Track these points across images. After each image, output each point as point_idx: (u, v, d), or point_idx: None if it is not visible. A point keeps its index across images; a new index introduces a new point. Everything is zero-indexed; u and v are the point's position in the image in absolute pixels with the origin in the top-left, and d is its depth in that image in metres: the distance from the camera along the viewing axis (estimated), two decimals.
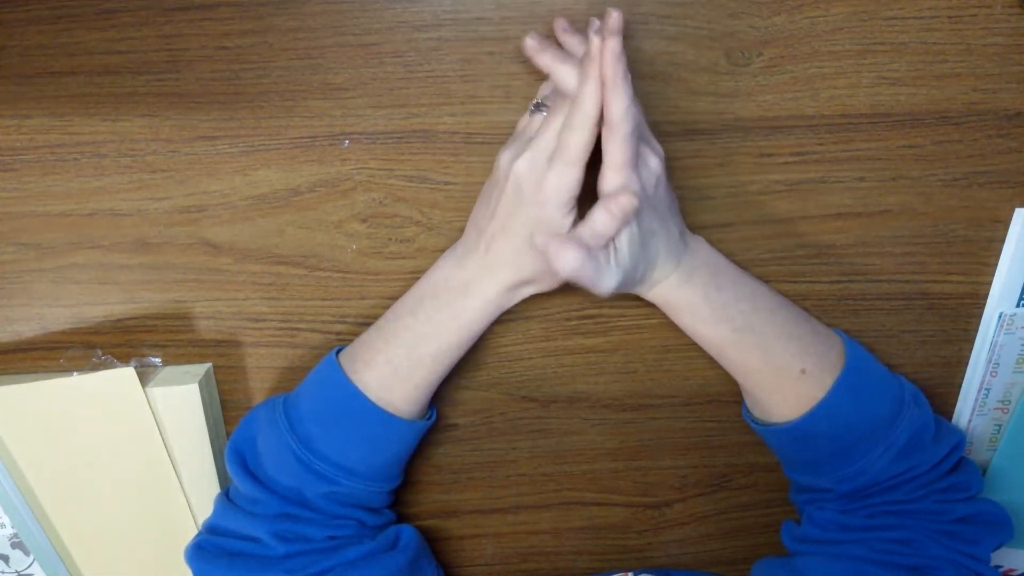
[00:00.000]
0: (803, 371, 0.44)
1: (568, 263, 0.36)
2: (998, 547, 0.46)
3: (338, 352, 0.48)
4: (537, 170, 0.39)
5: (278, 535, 0.45)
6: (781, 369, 0.45)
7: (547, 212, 0.39)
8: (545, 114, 0.40)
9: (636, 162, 0.38)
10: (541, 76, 0.45)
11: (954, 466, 0.47)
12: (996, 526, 0.46)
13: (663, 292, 0.44)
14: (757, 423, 0.49)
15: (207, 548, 0.46)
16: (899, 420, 0.45)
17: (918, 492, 0.45)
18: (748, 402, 0.49)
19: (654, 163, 0.40)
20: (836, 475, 0.46)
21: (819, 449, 0.46)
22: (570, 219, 0.40)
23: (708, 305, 0.44)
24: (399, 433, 0.47)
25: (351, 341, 0.52)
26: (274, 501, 0.46)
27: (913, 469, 0.45)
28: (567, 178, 0.38)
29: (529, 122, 0.42)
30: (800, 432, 0.45)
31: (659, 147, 0.42)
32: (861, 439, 0.45)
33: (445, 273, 0.45)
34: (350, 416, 0.45)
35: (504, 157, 0.41)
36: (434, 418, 0.51)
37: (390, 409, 0.45)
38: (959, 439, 0.47)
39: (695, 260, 0.44)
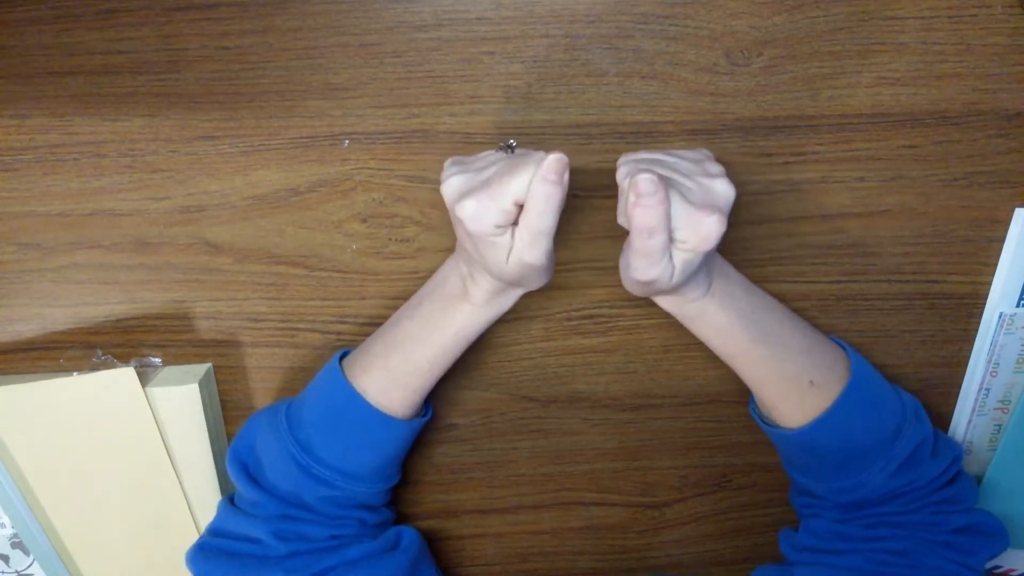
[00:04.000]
0: (812, 382, 0.44)
1: (657, 202, 0.34)
2: (992, 557, 0.46)
3: (343, 356, 0.48)
4: (452, 199, 0.38)
5: (278, 535, 0.45)
6: (791, 380, 0.45)
7: (472, 239, 0.38)
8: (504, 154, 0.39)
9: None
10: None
11: (951, 479, 0.47)
12: (992, 537, 0.46)
13: (681, 302, 0.44)
14: (764, 422, 0.49)
15: (208, 549, 0.46)
16: (900, 435, 0.45)
17: (914, 504, 0.45)
18: (757, 401, 0.49)
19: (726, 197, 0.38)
20: (834, 486, 0.46)
21: (821, 458, 0.46)
22: (504, 239, 0.38)
23: (724, 315, 0.44)
24: (398, 434, 0.47)
25: (351, 341, 0.52)
26: (273, 504, 0.46)
27: (912, 483, 0.45)
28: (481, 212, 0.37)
29: (487, 155, 0.40)
30: (804, 440, 0.45)
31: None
32: (862, 452, 0.45)
33: (444, 278, 0.45)
34: (350, 421, 0.45)
35: (451, 187, 0.38)
36: (430, 415, 0.51)
37: (389, 412, 0.46)
38: (957, 453, 0.47)
39: (712, 272, 0.44)
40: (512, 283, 0.41)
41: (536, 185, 0.34)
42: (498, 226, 0.36)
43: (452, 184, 0.38)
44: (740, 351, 0.45)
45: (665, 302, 0.44)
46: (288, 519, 0.46)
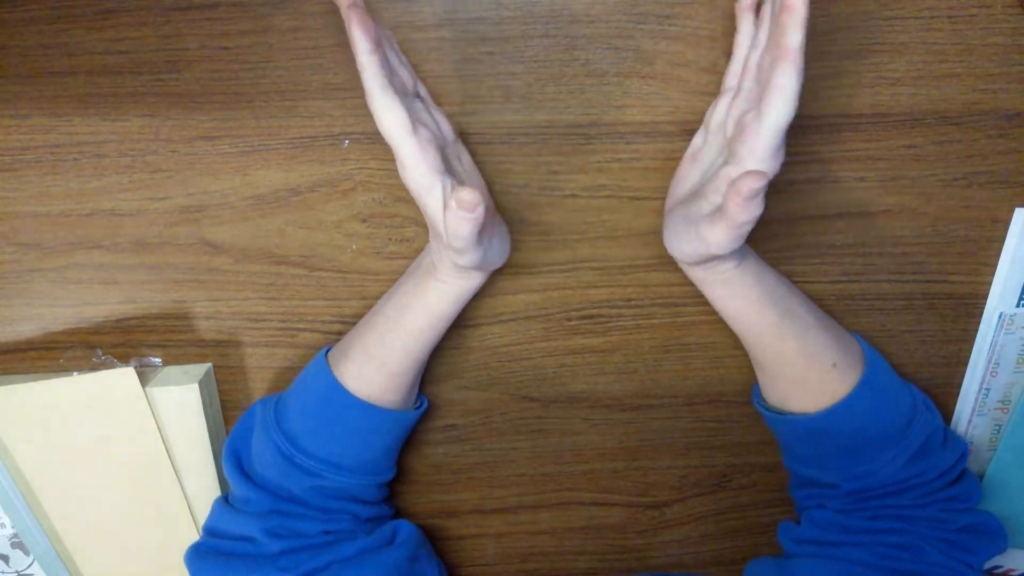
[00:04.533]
0: (834, 364, 0.45)
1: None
2: (991, 557, 0.46)
3: (329, 350, 0.49)
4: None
5: (271, 532, 0.45)
6: (814, 359, 0.45)
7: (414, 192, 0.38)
8: None
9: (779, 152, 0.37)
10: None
11: (958, 476, 0.47)
12: (993, 537, 0.46)
13: (719, 270, 0.43)
14: (770, 411, 0.49)
15: (203, 550, 0.47)
16: (914, 424, 0.45)
17: (923, 499, 0.46)
18: (766, 390, 0.49)
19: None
20: (845, 473, 0.46)
21: (832, 445, 0.46)
22: (436, 193, 0.37)
23: (759, 286, 0.44)
24: (384, 425, 0.47)
25: None
26: (264, 499, 0.46)
27: (922, 475, 0.45)
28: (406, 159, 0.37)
29: None
30: (818, 426, 0.45)
31: None
32: (876, 440, 0.45)
33: (419, 260, 0.46)
34: (332, 409, 0.46)
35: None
36: (424, 406, 0.50)
37: (372, 400, 0.45)
38: (964, 448, 0.47)
39: (744, 245, 0.44)
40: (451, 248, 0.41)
41: (448, 217, 0.35)
42: (422, 175, 0.37)
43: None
44: (768, 325, 0.44)
45: (702, 271, 0.44)
46: (279, 514, 0.46)
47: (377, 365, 0.45)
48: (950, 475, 0.46)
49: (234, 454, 0.48)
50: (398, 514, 0.57)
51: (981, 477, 0.55)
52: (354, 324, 0.52)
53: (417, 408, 0.50)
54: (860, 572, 0.44)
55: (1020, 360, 0.52)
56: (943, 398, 0.55)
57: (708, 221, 0.37)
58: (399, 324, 0.45)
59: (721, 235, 0.36)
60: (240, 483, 0.47)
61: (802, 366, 0.45)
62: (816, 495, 0.49)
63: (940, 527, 0.45)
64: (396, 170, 0.47)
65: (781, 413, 0.48)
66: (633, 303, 0.52)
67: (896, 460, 0.45)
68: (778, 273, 0.47)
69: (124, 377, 0.49)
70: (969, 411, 0.54)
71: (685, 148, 0.47)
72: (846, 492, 0.47)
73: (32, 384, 0.49)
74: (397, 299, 0.45)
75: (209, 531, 0.48)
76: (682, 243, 0.41)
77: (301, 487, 0.46)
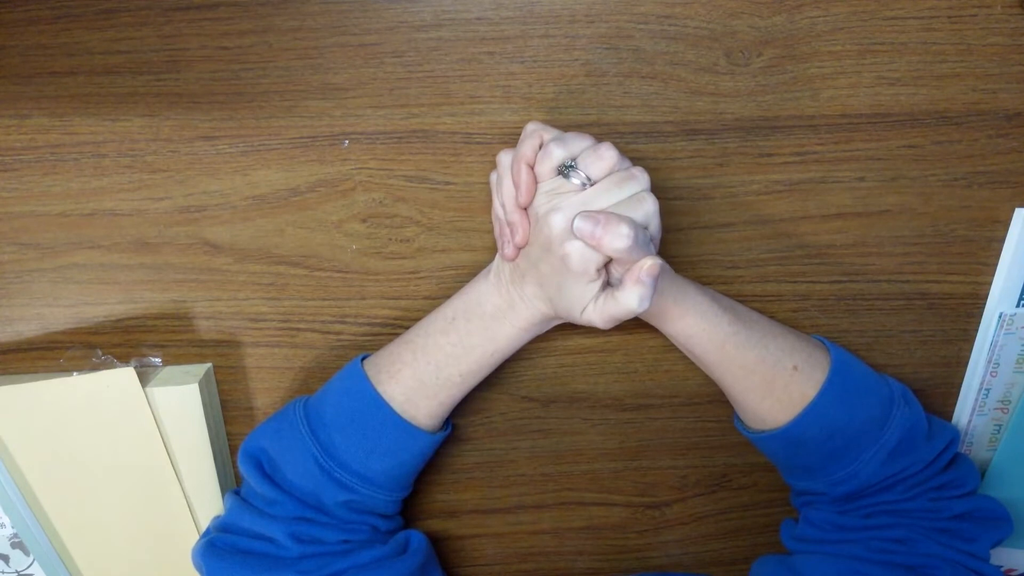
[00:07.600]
0: (795, 367, 0.45)
1: (622, 237, 0.36)
2: (997, 543, 0.46)
3: (362, 360, 0.48)
4: (568, 232, 0.38)
5: (294, 536, 0.46)
6: (775, 365, 0.45)
7: (571, 276, 0.39)
8: (575, 180, 0.39)
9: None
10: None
11: (948, 463, 0.47)
12: (994, 522, 0.46)
13: (665, 295, 0.44)
14: (750, 432, 0.49)
15: (219, 546, 0.46)
16: (890, 420, 0.45)
17: (912, 491, 0.45)
18: (740, 411, 0.49)
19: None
20: (829, 479, 0.46)
21: (812, 453, 0.46)
22: (595, 287, 0.39)
23: (706, 297, 0.45)
24: (421, 446, 0.47)
25: (351, 341, 0.52)
26: (291, 504, 0.46)
27: (906, 469, 0.45)
28: (589, 253, 0.38)
29: (563, 183, 0.40)
30: (793, 435, 0.45)
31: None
32: (852, 441, 0.45)
33: (479, 297, 0.45)
34: (374, 427, 0.45)
35: (540, 204, 0.40)
36: (450, 429, 0.51)
37: (412, 422, 0.46)
38: (953, 436, 0.47)
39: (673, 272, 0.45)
40: (569, 320, 0.43)
41: (630, 286, 0.38)
42: (598, 270, 0.39)
43: (539, 205, 0.40)
44: (727, 335, 0.44)
45: (655, 309, 0.44)
46: (305, 521, 0.46)
47: (429, 394, 0.46)
48: (938, 464, 0.46)
49: (254, 456, 0.47)
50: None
51: (980, 477, 0.55)
52: (355, 324, 0.52)
53: (445, 431, 0.50)
54: (860, 568, 0.44)
55: (1020, 360, 0.52)
56: (943, 398, 0.55)
57: (610, 301, 0.40)
58: (461, 362, 0.45)
59: (633, 297, 0.38)
60: (264, 485, 0.46)
61: (764, 375, 0.45)
62: (812, 500, 0.50)
63: (932, 517, 0.45)
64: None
65: (760, 432, 0.48)
66: None
67: (876, 458, 0.44)
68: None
69: (124, 377, 0.49)
70: (969, 411, 0.54)
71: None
72: (833, 498, 0.47)
73: (32, 384, 0.49)
74: (459, 338, 0.45)
75: (224, 527, 0.48)
76: (601, 317, 0.41)
77: (333, 499, 0.46)
